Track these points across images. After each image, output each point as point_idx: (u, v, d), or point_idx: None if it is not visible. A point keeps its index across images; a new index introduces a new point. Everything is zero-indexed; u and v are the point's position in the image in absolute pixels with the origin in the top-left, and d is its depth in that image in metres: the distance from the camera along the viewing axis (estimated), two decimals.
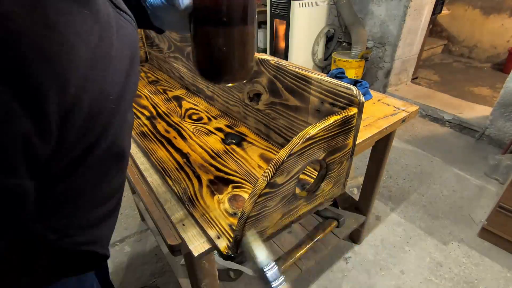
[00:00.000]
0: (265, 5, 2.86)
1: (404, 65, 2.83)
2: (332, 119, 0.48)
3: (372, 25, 2.66)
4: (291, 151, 0.44)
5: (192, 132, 0.84)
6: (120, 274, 1.36)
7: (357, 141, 0.67)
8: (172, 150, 0.76)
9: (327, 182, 0.57)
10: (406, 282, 1.27)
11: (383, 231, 1.51)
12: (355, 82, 1.09)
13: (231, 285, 0.98)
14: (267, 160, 0.72)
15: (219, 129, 0.85)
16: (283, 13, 2.66)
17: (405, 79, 2.97)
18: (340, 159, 0.55)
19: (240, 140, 0.80)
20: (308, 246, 1.06)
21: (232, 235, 0.51)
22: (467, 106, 2.57)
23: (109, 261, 0.75)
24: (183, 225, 0.56)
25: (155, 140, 0.80)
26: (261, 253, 0.41)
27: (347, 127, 0.51)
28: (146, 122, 0.89)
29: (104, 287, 0.63)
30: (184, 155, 0.74)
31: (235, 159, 0.73)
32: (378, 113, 0.91)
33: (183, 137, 0.81)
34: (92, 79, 0.23)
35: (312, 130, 0.45)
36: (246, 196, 0.61)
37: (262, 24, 3.20)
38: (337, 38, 3.01)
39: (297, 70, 0.62)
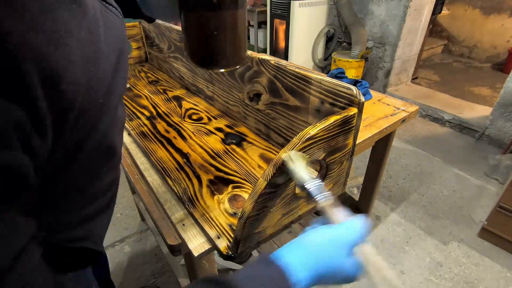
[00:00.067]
0: (265, 5, 2.86)
1: (404, 65, 2.83)
2: (332, 119, 0.48)
3: (372, 25, 2.66)
4: (291, 151, 0.44)
5: (192, 132, 0.84)
6: (120, 274, 1.36)
7: (357, 141, 0.67)
8: (172, 150, 0.76)
9: (327, 182, 0.57)
10: (406, 282, 1.27)
11: (383, 231, 1.51)
12: (355, 82, 1.09)
13: None
14: (267, 160, 0.72)
15: (219, 129, 0.85)
16: (283, 13, 2.66)
17: (405, 79, 2.97)
18: (340, 159, 0.55)
19: (240, 140, 0.80)
20: None
21: (232, 235, 0.51)
22: (467, 106, 2.57)
23: (109, 261, 0.75)
24: (183, 225, 0.56)
25: (155, 140, 0.80)
26: (304, 171, 0.42)
27: (347, 127, 0.51)
28: (146, 122, 0.89)
29: (104, 287, 0.63)
30: (184, 155, 0.74)
31: (235, 159, 0.73)
32: (378, 113, 0.92)
33: (183, 137, 0.81)
34: (83, 75, 0.23)
35: (312, 130, 0.45)
36: (246, 196, 0.61)
37: (262, 24, 3.20)
38: (337, 38, 3.01)
39: (297, 70, 0.62)
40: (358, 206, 1.27)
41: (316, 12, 2.73)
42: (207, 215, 0.56)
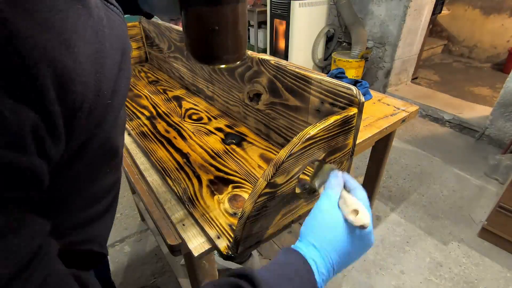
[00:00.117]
0: (265, 5, 2.86)
1: (404, 65, 2.83)
2: (332, 119, 0.48)
3: (372, 25, 2.66)
4: (291, 151, 0.44)
5: (192, 132, 0.84)
6: (120, 274, 1.36)
7: (357, 141, 0.67)
8: (172, 150, 0.76)
9: None
10: (406, 282, 1.28)
11: (383, 231, 1.51)
12: (355, 82, 1.09)
13: None
14: (267, 160, 0.72)
15: (219, 129, 0.85)
16: (283, 13, 2.66)
17: (405, 79, 2.97)
18: (340, 159, 0.55)
19: (240, 140, 0.80)
20: None
21: (232, 235, 0.51)
22: (467, 106, 2.57)
23: (109, 261, 0.75)
24: (183, 225, 0.56)
25: (155, 140, 0.80)
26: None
27: (347, 127, 0.51)
28: (146, 122, 0.89)
29: (105, 287, 0.63)
30: (184, 155, 0.74)
31: (235, 159, 0.73)
32: (378, 113, 0.92)
33: (183, 137, 0.81)
34: (91, 75, 0.23)
35: (312, 130, 0.45)
36: (246, 196, 0.61)
37: (262, 24, 3.20)
38: (337, 38, 3.01)
39: (297, 70, 0.62)
40: None
41: (316, 12, 2.73)
42: (207, 215, 0.56)
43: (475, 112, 2.46)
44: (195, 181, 0.65)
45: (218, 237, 0.52)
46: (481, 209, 1.63)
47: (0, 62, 0.17)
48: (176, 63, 1.14)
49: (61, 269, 0.23)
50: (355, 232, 0.38)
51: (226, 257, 0.50)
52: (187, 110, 0.96)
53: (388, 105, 0.97)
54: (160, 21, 1.15)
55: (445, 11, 3.15)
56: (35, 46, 0.18)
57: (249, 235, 0.49)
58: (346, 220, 0.38)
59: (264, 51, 3.21)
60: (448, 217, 1.59)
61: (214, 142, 0.79)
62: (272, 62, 0.67)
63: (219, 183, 0.65)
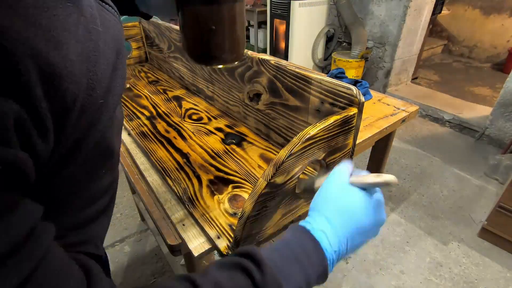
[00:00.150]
0: (265, 5, 2.86)
1: (404, 65, 2.83)
2: (332, 119, 0.48)
3: (372, 25, 2.66)
4: (291, 151, 0.44)
5: (192, 132, 0.84)
6: (120, 274, 1.36)
7: (357, 141, 0.67)
8: (172, 150, 0.76)
9: None
10: (406, 282, 1.28)
11: (383, 231, 1.51)
12: (355, 82, 1.09)
13: None
14: (267, 160, 0.72)
15: (219, 129, 0.85)
16: (283, 13, 2.66)
17: (405, 79, 2.97)
18: (340, 159, 0.55)
19: (240, 140, 0.80)
20: None
21: (232, 235, 0.51)
22: (467, 106, 2.57)
23: (109, 261, 0.75)
24: (183, 225, 0.56)
25: (155, 140, 0.80)
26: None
27: (347, 127, 0.51)
28: (146, 122, 0.89)
29: None
30: (184, 155, 0.74)
31: (235, 159, 0.73)
32: (378, 113, 0.91)
33: (183, 137, 0.81)
34: (83, 74, 0.23)
35: (312, 130, 0.45)
36: (246, 196, 0.61)
37: (262, 24, 3.20)
38: (337, 38, 3.01)
39: (297, 70, 0.62)
40: None
41: (316, 12, 2.73)
42: (207, 215, 0.56)
43: (475, 112, 2.46)
44: (195, 181, 0.65)
45: (218, 237, 0.52)
46: (481, 209, 1.63)
47: None
48: (176, 63, 1.14)
49: (57, 252, 0.23)
50: (371, 201, 0.37)
51: None
52: (187, 110, 0.96)
53: (388, 105, 0.97)
54: (160, 21, 1.15)
55: (445, 11, 3.15)
56: (19, 41, 0.18)
57: (249, 235, 0.49)
58: (361, 189, 0.37)
59: (264, 51, 3.21)
60: (448, 217, 1.59)
61: (214, 142, 0.79)
62: (272, 62, 0.67)
63: (219, 183, 0.65)
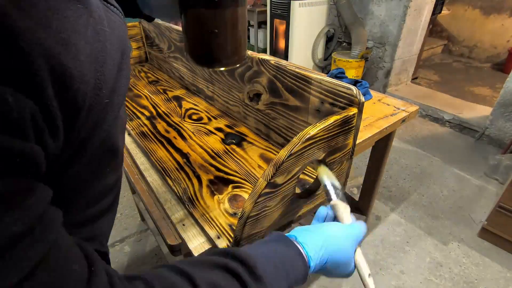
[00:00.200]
0: (265, 5, 2.86)
1: (404, 65, 2.83)
2: (332, 119, 0.48)
3: (372, 25, 2.66)
4: (291, 151, 0.44)
5: (192, 132, 0.84)
6: None
7: (357, 141, 0.67)
8: (172, 150, 0.76)
9: None
10: (406, 282, 1.27)
11: (383, 231, 1.51)
12: (355, 82, 1.09)
13: None
14: (267, 160, 0.72)
15: (219, 129, 0.85)
16: (283, 13, 2.66)
17: (405, 79, 2.97)
18: (340, 159, 0.55)
19: (240, 140, 0.80)
20: None
21: (232, 235, 0.51)
22: (467, 106, 2.57)
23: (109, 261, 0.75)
24: (183, 225, 0.56)
25: (155, 140, 0.80)
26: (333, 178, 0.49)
27: (347, 127, 0.51)
28: (146, 122, 0.89)
29: None
30: (184, 155, 0.74)
31: (235, 159, 0.73)
32: (378, 113, 0.92)
33: (183, 137, 0.81)
34: (91, 74, 0.23)
35: (312, 130, 0.45)
36: (246, 196, 0.61)
37: (262, 24, 3.20)
38: (337, 38, 3.01)
39: (297, 70, 0.62)
40: (358, 206, 1.27)
41: (316, 12, 2.73)
42: (207, 215, 0.56)
43: (475, 112, 2.46)
44: (195, 181, 0.65)
45: (218, 237, 0.52)
46: (481, 209, 1.63)
47: (1, 55, 0.18)
48: (176, 63, 1.14)
49: (65, 235, 0.23)
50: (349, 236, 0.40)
51: None
52: (187, 110, 0.96)
53: (388, 105, 0.97)
54: (160, 21, 1.15)
55: (445, 11, 3.15)
56: (34, 42, 0.19)
57: (249, 235, 0.49)
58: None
59: (264, 51, 3.21)
60: (448, 217, 1.59)
61: (214, 142, 0.79)
62: (272, 62, 0.67)
63: (219, 183, 0.65)
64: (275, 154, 0.74)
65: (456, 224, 1.55)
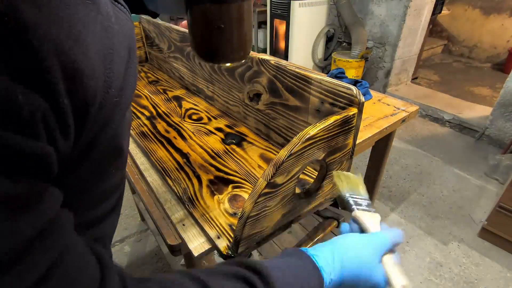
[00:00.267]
0: (265, 5, 2.86)
1: (404, 65, 2.83)
2: (332, 119, 0.48)
3: (372, 25, 2.66)
4: (291, 151, 0.44)
5: (192, 132, 0.84)
6: None
7: (357, 141, 0.67)
8: (172, 150, 0.76)
9: (327, 182, 0.57)
10: None
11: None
12: (355, 82, 1.09)
13: None
14: (267, 160, 0.72)
15: (219, 129, 0.85)
16: (283, 13, 2.66)
17: (405, 79, 2.97)
18: (340, 159, 0.55)
19: (240, 140, 0.80)
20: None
21: (232, 235, 0.51)
22: (467, 106, 2.57)
23: None
24: (183, 225, 0.56)
25: (155, 140, 0.80)
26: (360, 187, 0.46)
27: (347, 127, 0.51)
28: (146, 122, 0.89)
29: None
30: (184, 155, 0.74)
31: (235, 159, 0.73)
32: (378, 113, 0.91)
33: (183, 137, 0.81)
34: (101, 71, 0.23)
35: (312, 130, 0.45)
36: (246, 196, 0.61)
37: (262, 24, 3.20)
38: (337, 38, 3.01)
39: (297, 70, 0.62)
40: None
41: (316, 12, 2.73)
42: (207, 215, 0.56)
43: (475, 112, 2.46)
44: (195, 181, 0.65)
45: (218, 237, 0.52)
46: (481, 209, 1.63)
47: (13, 51, 0.17)
48: (176, 63, 1.14)
49: (77, 238, 0.23)
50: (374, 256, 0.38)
51: (226, 257, 0.50)
52: (187, 110, 0.96)
53: (388, 105, 0.97)
54: (160, 21, 1.15)
55: (445, 11, 3.15)
56: (45, 39, 0.18)
57: (249, 235, 0.49)
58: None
59: (264, 51, 3.21)
60: (448, 217, 1.59)
61: (214, 142, 0.79)
62: (272, 62, 0.67)
63: (219, 183, 0.65)
64: (275, 154, 0.74)
65: (456, 224, 1.55)
